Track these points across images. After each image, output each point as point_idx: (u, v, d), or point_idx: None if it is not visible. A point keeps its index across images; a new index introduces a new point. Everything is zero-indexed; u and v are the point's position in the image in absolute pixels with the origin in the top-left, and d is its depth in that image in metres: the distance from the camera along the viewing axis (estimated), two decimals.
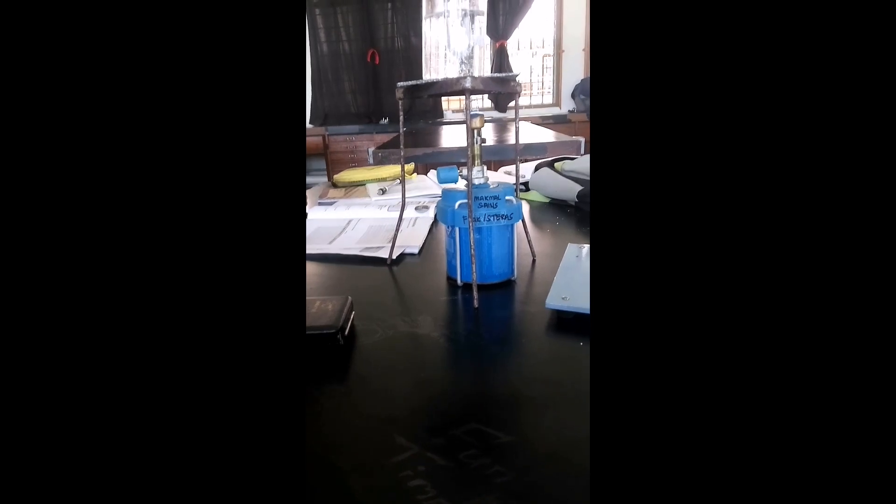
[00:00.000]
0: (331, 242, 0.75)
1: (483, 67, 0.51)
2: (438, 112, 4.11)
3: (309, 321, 0.43)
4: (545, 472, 0.29)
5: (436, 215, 0.84)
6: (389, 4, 3.90)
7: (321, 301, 0.47)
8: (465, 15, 0.45)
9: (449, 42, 0.46)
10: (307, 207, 0.99)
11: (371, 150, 1.69)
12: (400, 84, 0.49)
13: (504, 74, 0.47)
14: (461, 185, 0.54)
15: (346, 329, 0.44)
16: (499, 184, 0.54)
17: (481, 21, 0.46)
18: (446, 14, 0.45)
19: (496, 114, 4.10)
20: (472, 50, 0.46)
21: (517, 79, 0.47)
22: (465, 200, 0.51)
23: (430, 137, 2.15)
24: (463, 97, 0.45)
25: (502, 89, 0.47)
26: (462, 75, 0.44)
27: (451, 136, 2.16)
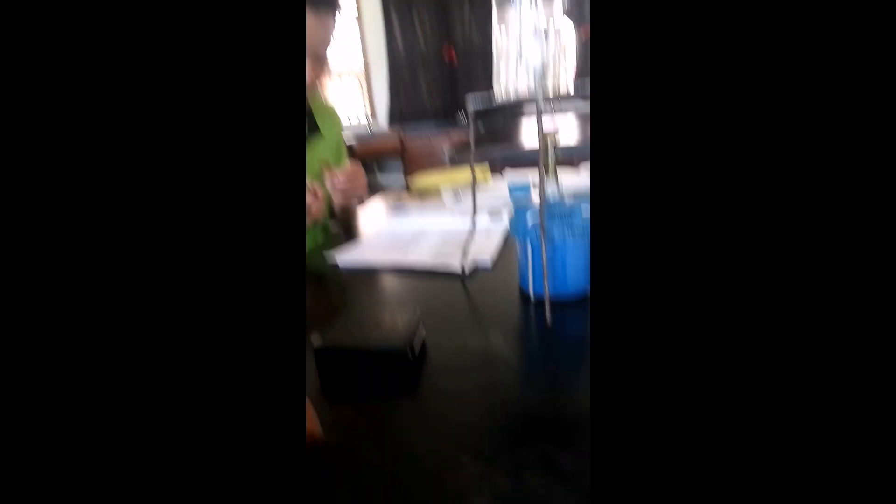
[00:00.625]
0: (405, 252, 0.76)
1: (566, 64, 0.48)
2: (519, 105, 4.06)
3: (379, 335, 0.44)
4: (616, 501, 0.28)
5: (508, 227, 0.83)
6: None
7: (391, 315, 0.48)
8: (538, 31, 0.43)
9: (520, 52, 0.45)
10: (385, 215, 1.01)
11: (446, 149, 1.69)
12: (470, 106, 0.49)
13: (583, 96, 0.45)
14: (534, 196, 0.53)
15: (415, 345, 0.44)
16: (576, 194, 0.53)
17: (555, 35, 0.44)
18: (520, 25, 0.44)
19: (582, 101, 3.98)
20: (547, 64, 0.45)
21: None
22: (538, 214, 0.50)
23: (509, 134, 2.13)
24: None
25: (580, 108, 0.45)
26: (532, 97, 0.43)
27: (531, 132, 2.11)
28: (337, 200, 0.91)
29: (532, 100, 0.42)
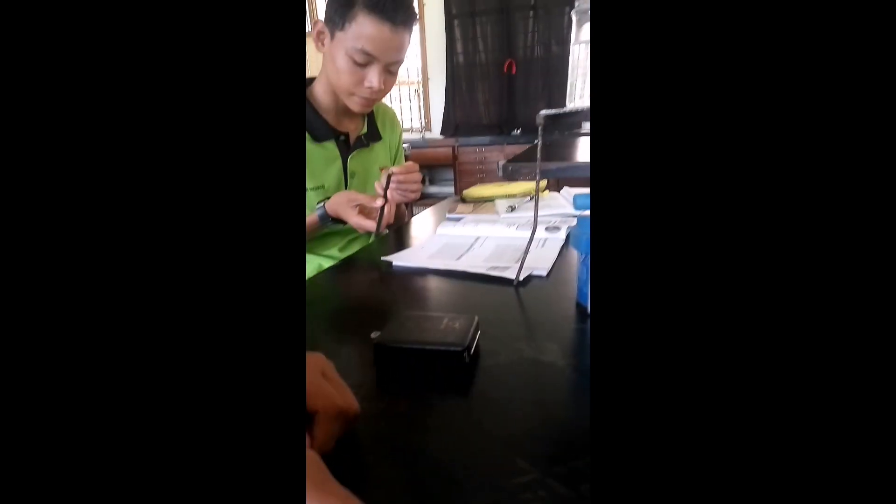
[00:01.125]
0: (458, 259, 0.77)
1: None
2: (576, 123, 4.02)
3: (437, 338, 0.45)
4: None
5: (568, 239, 0.82)
6: (531, 13, 3.90)
7: (449, 319, 0.49)
8: None
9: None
10: (437, 223, 1.02)
11: (501, 162, 1.70)
12: (542, 113, 0.50)
13: None
14: None
15: (471, 348, 0.45)
16: None
17: None
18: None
19: None
20: None
21: None
22: None
23: (565, 150, 2.12)
24: None
25: None
26: None
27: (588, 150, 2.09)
28: (392, 197, 0.92)
29: None
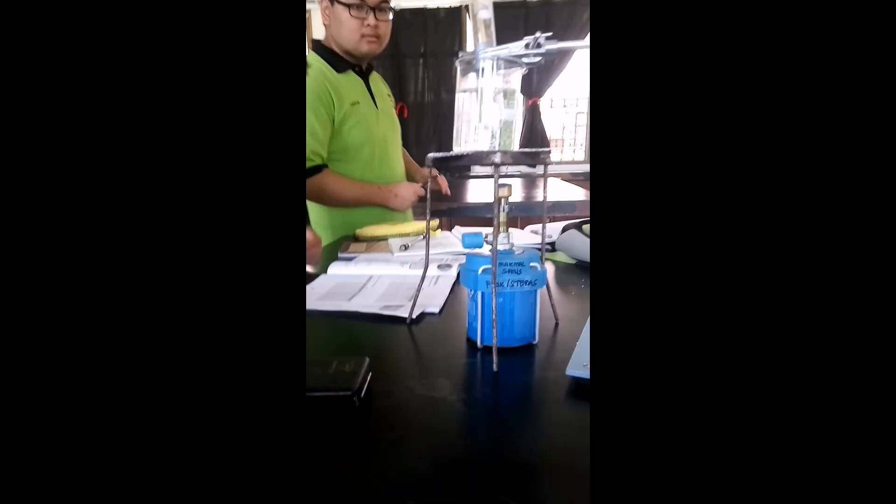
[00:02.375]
0: (350, 299, 0.76)
1: (515, 127, 0.52)
2: (465, 166, 4.19)
3: (324, 382, 0.44)
4: None
5: (458, 277, 0.84)
6: (421, 60, 4.06)
7: (338, 362, 0.47)
8: (498, 92, 0.47)
9: (481, 116, 0.48)
10: (329, 263, 1.01)
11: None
12: (430, 155, 0.51)
13: (535, 150, 0.48)
14: (486, 249, 0.55)
15: (362, 391, 0.44)
16: (524, 249, 0.55)
17: (515, 97, 0.48)
18: (479, 91, 0.47)
19: (525, 168, 4.17)
20: (504, 124, 0.48)
21: (548, 154, 0.49)
22: (489, 266, 0.52)
23: (455, 192, 2.19)
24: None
25: (532, 162, 0.48)
26: (492, 150, 0.45)
27: (478, 191, 2.19)
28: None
29: (490, 153, 0.45)
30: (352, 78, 1.35)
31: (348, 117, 1.32)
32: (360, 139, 1.35)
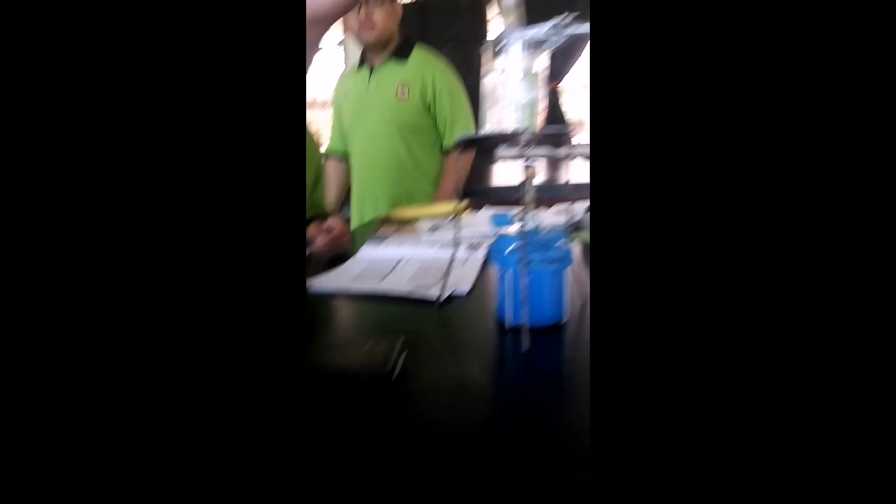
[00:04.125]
0: (381, 281, 0.77)
1: (539, 115, 0.52)
2: (490, 149, 4.14)
3: (359, 361, 0.45)
4: None
5: (488, 256, 0.85)
6: (443, 47, 4.00)
7: (372, 342, 0.48)
8: (524, 73, 0.47)
9: (508, 97, 0.48)
10: (361, 244, 1.02)
11: None
12: (459, 136, 0.51)
13: (562, 128, 0.48)
14: (514, 229, 0.55)
15: (395, 370, 0.45)
16: (552, 227, 0.55)
17: (540, 78, 0.48)
18: (506, 72, 0.47)
19: (549, 150, 4.10)
20: (532, 102, 0.48)
21: (574, 132, 0.49)
22: (518, 245, 0.52)
23: (482, 174, 2.19)
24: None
25: (559, 141, 0.48)
26: (519, 129, 0.45)
27: (503, 173, 2.18)
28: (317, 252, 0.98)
29: (518, 133, 0.45)
30: (361, 72, 1.54)
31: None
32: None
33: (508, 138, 0.46)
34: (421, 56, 1.53)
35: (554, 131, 0.47)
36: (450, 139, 1.39)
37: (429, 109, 1.46)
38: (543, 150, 0.47)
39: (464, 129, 1.35)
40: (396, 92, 1.48)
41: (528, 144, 0.45)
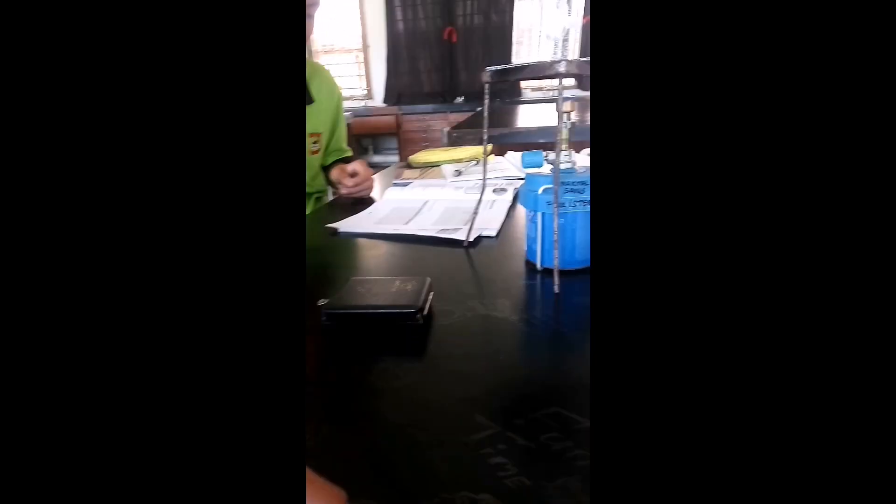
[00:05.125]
0: (407, 223, 0.76)
1: (573, 49, 0.49)
2: (516, 91, 4.02)
3: (389, 300, 0.45)
4: None
5: (516, 198, 0.83)
6: None
7: (401, 281, 0.48)
8: (561, 2, 0.43)
9: (542, 23, 0.45)
10: (383, 188, 1.01)
11: (445, 129, 1.69)
12: (489, 68, 0.49)
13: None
14: (546, 169, 0.53)
15: (424, 309, 0.44)
16: (585, 168, 0.53)
17: (578, 2, 0.44)
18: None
19: (579, 92, 3.96)
20: (567, 32, 0.44)
21: None
22: (551, 185, 0.50)
23: (507, 117, 2.12)
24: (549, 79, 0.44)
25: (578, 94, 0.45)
26: (556, 58, 0.42)
27: (530, 116, 2.11)
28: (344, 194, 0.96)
29: (554, 63, 0.42)
30: None
31: None
32: None
33: (544, 69, 0.43)
34: (323, 85, 1.20)
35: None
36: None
37: None
38: (574, 93, 0.44)
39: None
40: None
41: (566, 76, 0.42)
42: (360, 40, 4.15)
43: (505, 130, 1.72)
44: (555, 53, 0.45)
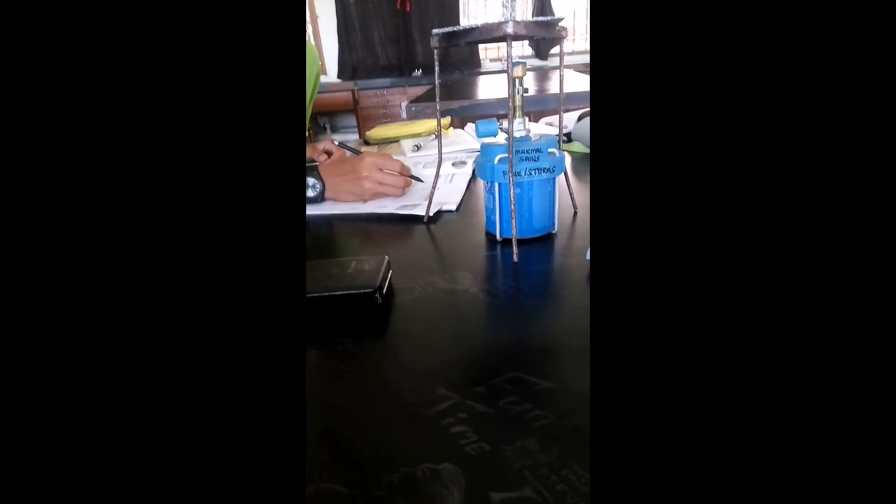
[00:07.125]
0: (366, 201, 0.74)
1: (524, 12, 0.47)
2: (475, 62, 3.96)
3: (346, 282, 0.44)
4: (585, 415, 0.29)
5: (474, 170, 0.82)
6: None
7: (357, 262, 0.47)
8: None
9: None
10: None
11: (404, 104, 1.65)
12: (436, 31, 0.47)
13: (548, 18, 0.44)
14: (501, 138, 0.52)
15: (383, 288, 0.44)
16: (540, 136, 0.52)
17: None
18: None
19: (537, 61, 3.93)
20: None
21: (561, 23, 0.44)
22: (506, 155, 0.49)
23: (466, 89, 2.09)
24: (503, 44, 0.42)
25: (546, 34, 0.44)
26: (503, 20, 0.41)
27: (489, 87, 2.08)
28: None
29: (502, 23, 0.40)
30: None
31: None
32: None
33: (492, 31, 0.42)
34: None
35: (543, 20, 0.43)
36: None
37: None
38: (530, 62, 0.43)
39: None
40: None
41: (514, 38, 0.41)
42: (308, 12, 4.00)
43: (465, 102, 1.70)
44: (503, 14, 0.44)
